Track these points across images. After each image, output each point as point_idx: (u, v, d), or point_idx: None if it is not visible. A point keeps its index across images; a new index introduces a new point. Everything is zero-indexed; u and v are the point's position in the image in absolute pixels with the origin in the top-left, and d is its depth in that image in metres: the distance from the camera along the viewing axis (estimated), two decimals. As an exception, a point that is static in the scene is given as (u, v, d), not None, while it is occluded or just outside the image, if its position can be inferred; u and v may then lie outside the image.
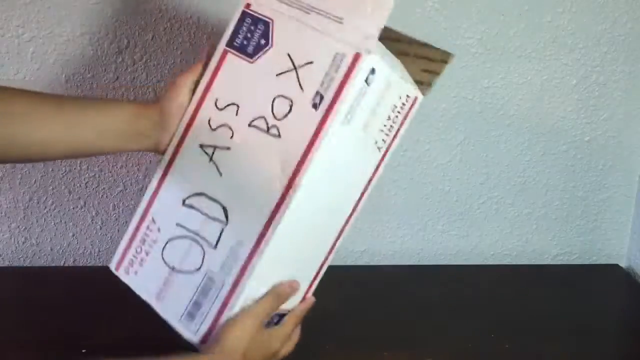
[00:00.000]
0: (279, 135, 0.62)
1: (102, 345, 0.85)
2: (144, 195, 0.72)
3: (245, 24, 0.66)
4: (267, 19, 0.64)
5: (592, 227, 1.12)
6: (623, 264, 1.13)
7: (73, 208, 1.05)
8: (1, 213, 1.04)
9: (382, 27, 0.60)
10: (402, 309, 0.95)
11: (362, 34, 0.59)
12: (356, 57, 0.59)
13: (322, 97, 0.60)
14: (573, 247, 1.13)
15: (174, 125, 0.69)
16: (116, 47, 0.98)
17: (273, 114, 0.63)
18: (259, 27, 0.65)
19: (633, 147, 1.07)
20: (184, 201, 0.68)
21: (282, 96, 0.63)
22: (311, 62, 0.61)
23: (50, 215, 1.06)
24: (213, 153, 0.66)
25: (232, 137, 0.65)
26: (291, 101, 0.62)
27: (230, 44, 0.67)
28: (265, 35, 0.64)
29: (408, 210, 1.09)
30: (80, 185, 1.04)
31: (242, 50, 0.66)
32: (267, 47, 0.64)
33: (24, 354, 0.83)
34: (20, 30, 0.97)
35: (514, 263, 1.12)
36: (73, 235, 1.08)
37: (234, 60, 0.66)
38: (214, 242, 0.66)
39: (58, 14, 0.96)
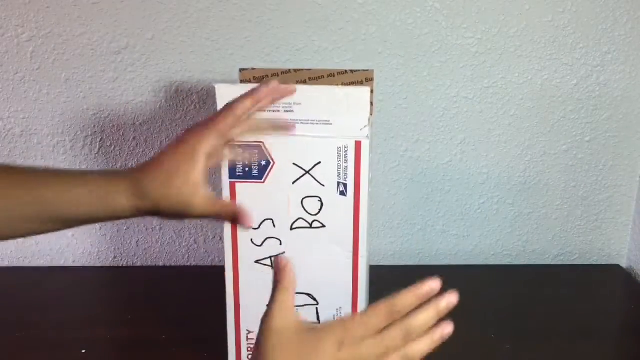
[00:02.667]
0: (324, 226, 0.71)
1: (102, 345, 0.85)
2: (227, 318, 0.76)
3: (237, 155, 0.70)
4: (256, 143, 0.69)
5: (592, 227, 1.12)
6: (623, 264, 1.13)
7: (73, 208, 1.05)
8: (1, 213, 1.04)
9: (370, 116, 0.67)
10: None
11: (355, 126, 0.67)
12: (358, 145, 0.68)
13: (345, 185, 0.69)
14: (573, 247, 1.13)
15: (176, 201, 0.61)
16: (116, 47, 0.98)
17: (308, 212, 0.71)
18: (252, 152, 0.70)
19: (633, 147, 1.07)
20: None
21: (308, 197, 0.70)
22: (319, 162, 0.69)
23: (50, 215, 1.05)
24: (272, 262, 0.73)
25: (281, 244, 0.72)
26: (319, 198, 0.70)
27: (233, 176, 0.71)
28: (263, 156, 0.69)
29: (408, 210, 1.09)
30: (80, 185, 1.04)
31: (248, 177, 0.70)
32: (271, 165, 0.70)
33: (24, 354, 0.83)
34: (20, 30, 0.97)
35: (514, 263, 1.12)
36: (73, 235, 1.08)
37: (245, 187, 0.71)
38: (316, 320, 0.74)
39: (58, 13, 0.96)
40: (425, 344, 0.49)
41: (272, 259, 0.73)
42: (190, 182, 0.60)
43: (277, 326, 0.49)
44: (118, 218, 0.62)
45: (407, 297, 0.49)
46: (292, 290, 0.51)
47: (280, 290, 0.50)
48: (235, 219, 0.64)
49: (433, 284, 0.50)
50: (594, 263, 1.13)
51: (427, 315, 0.49)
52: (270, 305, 0.50)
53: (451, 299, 0.50)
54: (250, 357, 0.50)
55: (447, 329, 0.50)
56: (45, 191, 0.59)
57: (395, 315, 0.49)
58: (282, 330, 0.48)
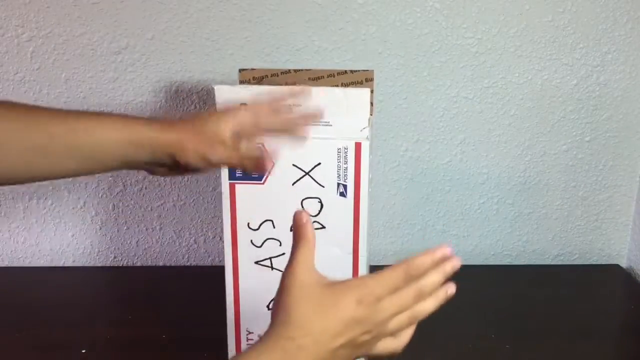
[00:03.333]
0: (324, 227, 0.71)
1: (102, 345, 0.85)
2: (227, 318, 0.76)
3: None
4: (256, 144, 0.69)
5: (592, 227, 1.12)
6: (623, 264, 1.13)
7: (72, 208, 1.06)
8: (1, 213, 1.04)
9: (370, 117, 0.68)
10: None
11: (355, 127, 0.67)
12: (358, 146, 0.68)
13: (345, 186, 0.69)
14: (573, 247, 1.13)
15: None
16: (116, 47, 0.98)
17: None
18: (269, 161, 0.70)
19: (633, 147, 1.07)
20: (268, 306, 0.73)
21: (308, 197, 0.70)
22: (319, 164, 0.69)
23: (50, 215, 1.06)
24: (271, 263, 0.74)
25: (280, 245, 0.72)
26: (319, 199, 0.70)
27: (233, 177, 0.71)
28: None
29: (408, 210, 1.09)
30: (79, 185, 1.04)
31: (247, 177, 0.71)
32: (271, 166, 0.69)
33: (24, 354, 0.83)
34: (20, 30, 0.97)
35: (514, 263, 1.12)
36: (73, 236, 1.08)
37: (245, 188, 0.71)
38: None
39: (58, 13, 0.96)
40: (432, 303, 0.52)
41: (272, 264, 0.73)
42: (218, 128, 0.63)
43: (299, 280, 0.50)
44: (133, 156, 0.62)
45: (424, 260, 0.52)
46: (312, 246, 0.52)
47: (302, 246, 0.52)
48: (256, 165, 0.65)
49: (445, 250, 0.53)
50: (594, 263, 1.13)
51: (436, 277, 0.52)
52: (291, 261, 0.51)
53: (455, 262, 0.53)
54: (271, 308, 0.51)
55: (451, 289, 0.53)
56: (55, 120, 0.61)
57: (411, 276, 0.51)
58: (305, 283, 0.50)
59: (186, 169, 0.64)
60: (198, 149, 0.62)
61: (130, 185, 1.05)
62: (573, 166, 1.08)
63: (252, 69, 0.73)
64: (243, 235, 0.73)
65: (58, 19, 0.96)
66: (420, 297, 0.51)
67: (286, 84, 0.73)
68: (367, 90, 0.66)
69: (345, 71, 0.73)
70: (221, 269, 0.75)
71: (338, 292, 0.50)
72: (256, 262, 0.74)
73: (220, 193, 0.71)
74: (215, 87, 0.68)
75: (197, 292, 0.97)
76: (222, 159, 0.63)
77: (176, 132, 0.62)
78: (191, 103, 1.02)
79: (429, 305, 0.52)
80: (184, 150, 0.62)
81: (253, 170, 0.66)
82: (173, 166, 0.64)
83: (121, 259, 1.10)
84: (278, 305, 0.50)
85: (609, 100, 1.04)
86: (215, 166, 0.65)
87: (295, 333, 0.48)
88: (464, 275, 0.96)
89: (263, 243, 0.73)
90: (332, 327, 0.48)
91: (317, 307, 0.49)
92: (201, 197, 1.06)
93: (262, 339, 0.49)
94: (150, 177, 1.05)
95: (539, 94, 1.03)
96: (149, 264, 1.10)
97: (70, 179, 1.03)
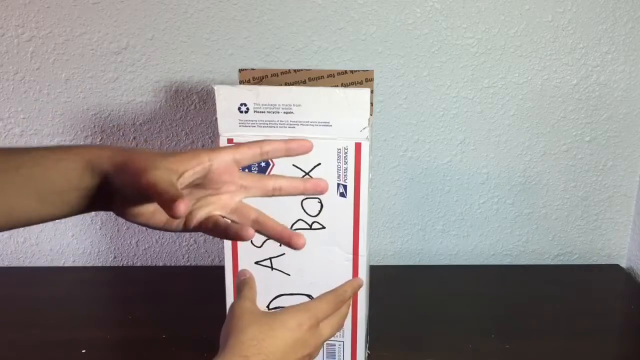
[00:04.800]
0: (323, 227, 0.71)
1: (102, 345, 0.85)
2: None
3: None
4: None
5: (592, 227, 1.12)
6: (623, 264, 1.13)
7: (73, 208, 1.05)
8: (1, 213, 1.04)
9: (370, 117, 0.68)
10: (402, 309, 0.95)
11: (355, 128, 0.67)
12: (358, 146, 0.68)
13: (345, 186, 0.69)
14: (573, 247, 1.13)
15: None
16: (116, 47, 0.98)
17: (308, 213, 0.71)
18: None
19: (633, 147, 1.07)
20: (268, 307, 0.75)
21: (308, 198, 0.70)
22: (319, 164, 0.69)
23: (50, 215, 1.05)
24: (271, 263, 0.74)
25: (280, 245, 0.71)
26: (319, 199, 0.70)
27: None
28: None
29: (408, 210, 1.09)
30: (80, 185, 1.04)
31: None
32: (270, 167, 0.70)
33: (24, 354, 0.83)
34: (20, 30, 0.97)
35: (514, 263, 1.12)
36: (73, 236, 1.08)
37: None
38: None
39: (57, 13, 0.96)
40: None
41: (272, 264, 0.74)
42: (172, 164, 0.51)
43: (248, 308, 0.56)
44: (91, 182, 0.54)
45: (346, 289, 0.62)
46: (254, 289, 0.60)
47: (246, 287, 0.59)
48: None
49: (355, 283, 0.64)
50: (594, 263, 1.13)
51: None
52: (239, 296, 0.58)
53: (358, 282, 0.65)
54: (221, 334, 0.55)
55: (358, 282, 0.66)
56: (4, 155, 0.54)
57: (341, 302, 0.61)
58: (253, 311, 0.56)
59: (131, 199, 0.56)
60: (137, 165, 0.51)
61: (130, 185, 1.05)
62: (573, 166, 1.08)
63: (252, 69, 0.73)
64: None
65: (58, 19, 0.97)
66: (345, 317, 0.62)
67: (286, 84, 0.73)
68: (367, 91, 0.66)
69: (345, 71, 0.73)
70: (221, 269, 0.75)
71: (283, 316, 0.56)
72: (256, 262, 0.74)
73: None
74: (215, 87, 0.68)
75: (197, 292, 0.97)
76: (155, 186, 0.48)
77: (131, 150, 0.53)
78: (191, 103, 1.02)
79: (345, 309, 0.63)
80: (125, 165, 0.52)
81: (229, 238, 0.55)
82: (137, 203, 0.56)
83: (121, 259, 1.10)
84: (229, 330, 0.54)
85: (609, 100, 1.04)
86: (152, 198, 0.49)
87: (248, 352, 0.52)
88: (464, 275, 0.97)
89: (263, 243, 0.73)
90: (283, 346, 0.54)
91: (266, 330, 0.54)
92: (201, 197, 1.06)
93: (216, 358, 0.52)
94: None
95: (539, 94, 1.03)
96: (149, 264, 1.10)
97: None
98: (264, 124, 0.68)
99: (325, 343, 0.62)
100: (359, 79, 0.73)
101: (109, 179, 0.54)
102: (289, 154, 0.57)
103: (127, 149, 0.54)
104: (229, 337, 0.53)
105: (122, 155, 0.53)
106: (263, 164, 0.69)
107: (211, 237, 1.08)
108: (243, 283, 0.60)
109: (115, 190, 0.55)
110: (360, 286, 0.66)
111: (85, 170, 0.54)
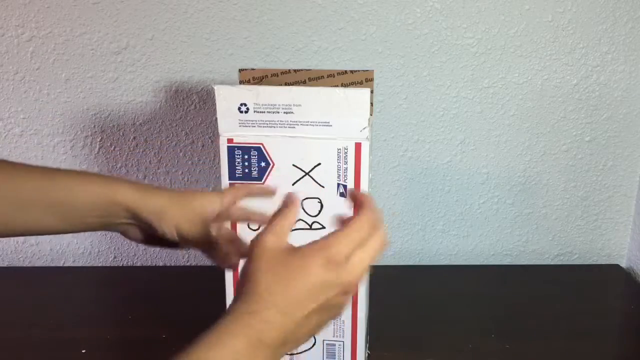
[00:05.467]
0: (323, 227, 0.71)
1: (102, 345, 0.85)
2: None
3: (237, 156, 0.70)
4: (256, 145, 0.69)
5: (592, 227, 1.12)
6: (623, 264, 1.13)
7: (73, 208, 1.05)
8: (1, 213, 1.04)
9: (370, 117, 0.67)
10: (402, 309, 0.95)
11: (355, 128, 0.67)
12: (358, 146, 0.68)
13: (345, 186, 0.69)
14: (573, 247, 1.13)
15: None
16: (116, 47, 0.98)
17: (308, 213, 0.71)
18: (252, 153, 0.70)
19: (633, 147, 1.07)
20: None
21: (308, 198, 0.70)
22: (319, 164, 0.69)
23: (50, 215, 1.05)
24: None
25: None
26: (319, 199, 0.70)
27: (232, 177, 0.71)
28: (263, 157, 0.69)
29: (408, 210, 1.09)
30: (80, 185, 1.04)
31: (247, 178, 0.70)
32: (270, 167, 0.70)
33: (24, 354, 0.83)
34: (20, 30, 0.97)
35: (514, 263, 1.12)
36: (73, 236, 1.08)
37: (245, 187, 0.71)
38: None
39: (57, 13, 0.96)
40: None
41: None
42: (203, 208, 0.63)
43: (267, 246, 0.48)
44: (113, 217, 0.62)
45: (378, 210, 0.51)
46: (292, 218, 0.50)
47: (281, 215, 0.50)
48: (223, 259, 0.66)
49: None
50: (594, 263, 1.13)
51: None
52: (266, 227, 0.49)
53: None
54: (240, 273, 0.50)
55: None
56: (35, 175, 0.60)
57: (375, 227, 0.49)
58: (271, 251, 0.48)
59: (161, 240, 0.63)
60: (178, 223, 0.61)
61: (130, 185, 1.05)
62: (573, 166, 1.08)
63: (252, 69, 0.73)
64: (243, 235, 0.73)
65: (58, 19, 0.97)
66: (385, 245, 0.50)
67: (286, 84, 0.73)
68: (367, 91, 0.66)
69: (345, 71, 0.73)
70: (221, 269, 0.74)
71: (304, 256, 0.47)
72: None
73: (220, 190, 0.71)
74: (215, 87, 0.68)
75: (197, 292, 0.97)
76: (199, 239, 0.62)
77: (160, 199, 0.61)
78: (191, 103, 1.02)
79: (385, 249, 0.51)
80: (163, 220, 0.60)
81: (220, 263, 0.66)
82: (149, 234, 0.63)
83: (121, 259, 1.10)
84: (245, 272, 0.48)
85: (609, 100, 1.04)
86: (191, 245, 0.64)
87: (258, 306, 0.46)
88: (464, 275, 0.97)
89: None
90: (299, 295, 0.46)
91: (282, 276, 0.46)
92: (201, 197, 1.06)
93: (224, 316, 0.46)
94: (151, 177, 1.05)
95: (539, 94, 1.03)
96: (149, 264, 1.10)
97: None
98: (264, 124, 0.68)
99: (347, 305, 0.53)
100: (359, 79, 0.73)
101: (134, 222, 0.62)
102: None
103: (154, 192, 0.62)
104: (244, 282, 0.48)
105: (153, 204, 0.61)
106: (263, 164, 0.69)
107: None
108: (279, 210, 0.51)
109: (140, 229, 0.63)
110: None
111: (109, 207, 0.60)
